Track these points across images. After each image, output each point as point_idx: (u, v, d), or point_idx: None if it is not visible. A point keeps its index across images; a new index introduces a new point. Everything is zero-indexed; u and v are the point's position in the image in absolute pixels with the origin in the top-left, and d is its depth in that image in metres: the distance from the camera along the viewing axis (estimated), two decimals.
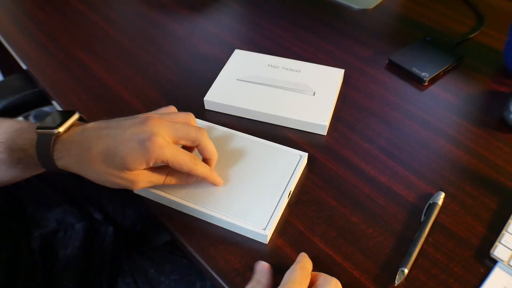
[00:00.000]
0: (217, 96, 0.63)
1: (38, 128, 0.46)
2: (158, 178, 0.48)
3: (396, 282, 0.44)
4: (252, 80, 0.66)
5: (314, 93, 0.63)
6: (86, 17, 0.84)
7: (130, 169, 0.45)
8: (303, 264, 0.43)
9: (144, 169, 0.46)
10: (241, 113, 0.62)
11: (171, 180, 0.49)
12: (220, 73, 0.67)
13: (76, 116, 0.49)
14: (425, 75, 0.67)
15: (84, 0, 0.88)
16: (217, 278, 0.46)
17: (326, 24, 0.81)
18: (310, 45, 0.76)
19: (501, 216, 0.50)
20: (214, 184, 0.51)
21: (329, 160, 0.57)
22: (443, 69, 0.69)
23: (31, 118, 1.02)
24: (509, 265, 0.45)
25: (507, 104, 0.60)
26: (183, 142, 0.47)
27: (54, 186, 0.69)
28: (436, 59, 0.70)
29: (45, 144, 0.45)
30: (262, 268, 0.45)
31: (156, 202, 0.52)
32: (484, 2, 0.84)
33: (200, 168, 0.48)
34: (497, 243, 0.47)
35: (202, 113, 0.63)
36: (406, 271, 0.44)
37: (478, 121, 0.62)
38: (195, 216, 0.50)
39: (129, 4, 0.88)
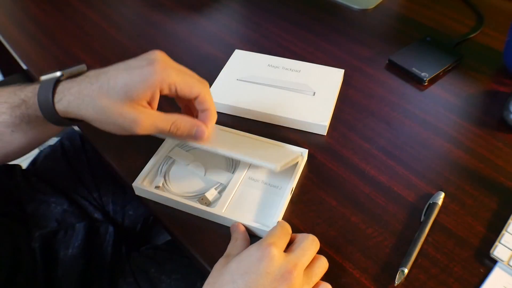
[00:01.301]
0: (217, 96, 0.63)
1: (42, 75, 0.45)
2: (163, 123, 0.44)
3: (396, 282, 0.44)
4: (252, 80, 0.66)
5: (314, 93, 0.63)
6: (86, 17, 0.84)
7: (133, 99, 0.41)
8: (283, 224, 0.46)
9: (149, 108, 0.43)
10: (241, 113, 0.62)
11: (177, 128, 0.45)
12: (220, 73, 0.67)
13: (83, 67, 0.46)
14: (425, 75, 0.67)
15: (84, 0, 0.88)
16: None
17: (326, 24, 0.81)
18: (310, 45, 0.76)
19: (501, 216, 0.50)
20: (212, 119, 0.47)
21: (329, 160, 0.57)
22: (443, 69, 0.69)
23: None
24: (509, 265, 0.45)
25: (507, 104, 0.60)
26: (184, 87, 0.44)
27: (54, 186, 0.69)
28: (436, 59, 0.70)
29: (46, 87, 0.43)
30: (237, 228, 0.48)
31: (156, 202, 0.52)
32: (484, 2, 0.84)
33: (209, 96, 0.45)
34: (497, 243, 0.47)
35: None
36: (406, 271, 0.44)
37: (478, 121, 0.62)
38: (196, 215, 0.50)
39: (129, 4, 0.88)
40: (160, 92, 0.43)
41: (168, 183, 0.53)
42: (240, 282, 0.39)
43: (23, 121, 0.45)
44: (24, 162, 0.79)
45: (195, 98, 0.46)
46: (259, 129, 0.60)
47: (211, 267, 0.46)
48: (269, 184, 0.53)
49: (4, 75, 1.29)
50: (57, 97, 0.43)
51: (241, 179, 0.53)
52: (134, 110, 0.42)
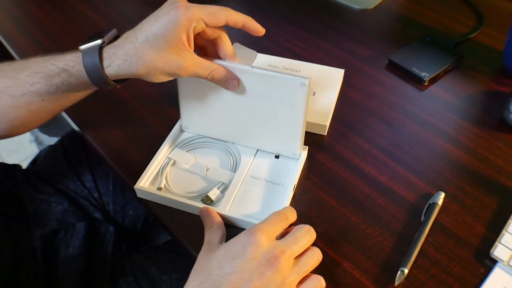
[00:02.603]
0: None
1: (81, 45, 0.47)
2: (203, 70, 0.47)
3: (396, 282, 0.44)
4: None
5: (314, 93, 0.63)
6: (86, 17, 0.84)
7: (174, 44, 0.44)
8: (280, 211, 0.46)
9: (191, 51, 0.46)
10: None
11: (213, 77, 0.48)
12: None
13: (115, 31, 0.49)
14: (425, 75, 0.67)
15: (84, 0, 0.88)
16: None
17: (326, 24, 0.81)
18: (310, 45, 0.76)
19: (501, 216, 0.50)
20: (256, 30, 0.51)
21: (329, 160, 0.57)
22: (443, 69, 0.69)
23: None
24: (509, 265, 0.45)
25: (507, 104, 0.60)
26: (211, 17, 0.46)
27: (55, 186, 0.69)
28: (436, 59, 0.70)
29: (92, 56, 0.46)
30: (207, 213, 0.48)
31: (156, 202, 0.52)
32: (484, 2, 0.84)
33: (235, 14, 0.48)
34: (497, 243, 0.47)
35: None
36: (406, 271, 0.44)
37: (478, 121, 0.62)
38: (196, 214, 0.50)
39: (129, 4, 0.88)
40: (194, 30, 0.46)
41: (170, 184, 0.53)
42: (227, 267, 0.40)
43: (59, 89, 0.48)
44: (24, 162, 0.79)
45: (225, 25, 0.49)
46: None
47: None
48: (271, 182, 0.53)
49: None
50: (105, 63, 0.46)
51: (242, 177, 0.53)
52: (179, 57, 0.46)
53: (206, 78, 0.48)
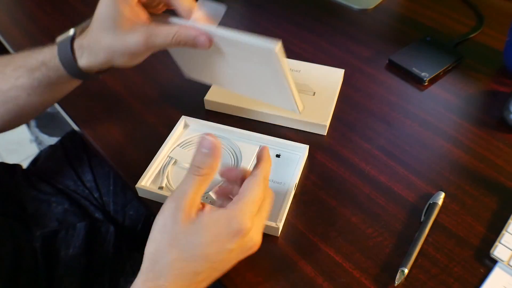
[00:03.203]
0: (217, 96, 0.63)
1: (58, 37, 0.47)
2: (164, 38, 0.45)
3: (396, 282, 0.44)
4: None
5: (314, 93, 0.64)
6: (86, 17, 0.83)
7: (121, 21, 0.43)
8: (266, 175, 0.41)
9: (145, 21, 0.45)
10: (241, 113, 0.62)
11: (179, 41, 0.45)
12: None
13: (88, 20, 0.49)
14: (425, 75, 0.67)
15: (84, 0, 0.88)
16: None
17: (326, 24, 0.81)
18: (310, 45, 0.76)
19: (501, 216, 0.50)
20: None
21: (329, 160, 0.57)
22: (443, 69, 0.69)
23: (31, 121, 1.02)
24: (509, 265, 0.45)
25: (507, 104, 0.60)
26: None
27: (55, 186, 0.69)
28: (436, 59, 0.70)
29: (65, 47, 0.46)
30: (210, 141, 0.39)
31: (156, 201, 0.52)
32: (484, 2, 0.84)
33: None
34: (497, 243, 0.47)
35: (202, 113, 0.63)
36: (406, 271, 0.44)
37: (478, 121, 0.62)
38: None
39: None
40: None
41: (172, 183, 0.54)
42: (213, 256, 0.38)
43: (42, 83, 0.48)
44: (24, 162, 0.79)
45: None
46: (259, 129, 0.60)
47: None
48: (272, 180, 0.53)
49: None
50: (77, 55, 0.46)
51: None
52: (132, 33, 0.44)
53: (171, 46, 0.45)
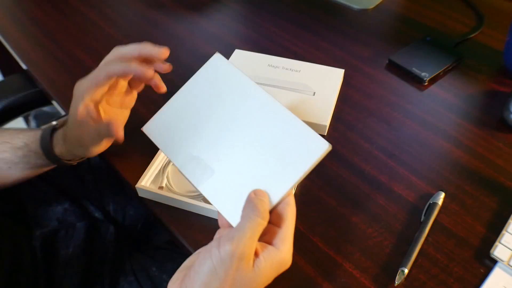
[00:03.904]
0: None
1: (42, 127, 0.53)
2: (94, 78, 0.47)
3: (396, 282, 0.44)
4: (252, 80, 0.65)
5: (314, 93, 0.64)
6: (86, 17, 0.84)
7: (74, 117, 0.48)
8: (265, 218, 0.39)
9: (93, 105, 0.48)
10: None
11: (109, 68, 0.47)
12: None
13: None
14: (425, 75, 0.67)
15: (84, 0, 0.88)
16: None
17: (326, 24, 0.81)
18: (310, 45, 0.76)
19: (501, 216, 0.50)
20: (141, 74, 0.47)
21: (329, 160, 0.57)
22: (443, 69, 0.69)
23: (31, 118, 1.02)
24: (509, 265, 0.45)
25: (507, 104, 0.60)
26: (96, 81, 0.47)
27: (55, 186, 0.69)
28: (436, 59, 0.70)
29: (46, 135, 0.52)
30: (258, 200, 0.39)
31: (156, 201, 0.52)
32: (484, 2, 0.84)
33: (114, 67, 0.47)
34: (497, 243, 0.47)
35: None
36: (406, 271, 0.44)
37: (478, 121, 0.62)
38: (202, 214, 0.50)
39: (129, 4, 0.88)
40: (94, 98, 0.48)
41: (171, 183, 0.54)
42: None
43: (22, 161, 0.53)
44: None
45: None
46: None
47: None
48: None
49: (4, 75, 1.29)
50: (54, 143, 0.52)
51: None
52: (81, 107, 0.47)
53: (103, 82, 0.47)
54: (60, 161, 0.53)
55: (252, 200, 0.39)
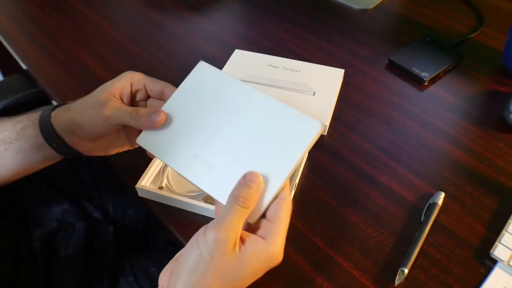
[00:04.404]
0: None
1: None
2: (123, 112, 0.47)
3: (396, 282, 0.44)
4: (252, 80, 0.66)
5: (314, 93, 0.64)
6: (86, 17, 0.84)
7: (109, 90, 0.48)
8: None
9: (117, 101, 0.48)
10: None
11: (135, 114, 0.47)
12: None
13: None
14: (425, 75, 0.67)
15: (84, 0, 0.88)
16: None
17: (326, 24, 0.81)
18: (310, 45, 0.76)
19: (501, 216, 0.50)
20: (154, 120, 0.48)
21: (329, 160, 0.57)
22: (443, 69, 0.69)
23: None
24: (509, 265, 0.45)
25: (507, 104, 0.60)
26: (150, 80, 0.50)
27: (54, 186, 0.69)
28: (436, 59, 0.70)
29: (46, 113, 0.49)
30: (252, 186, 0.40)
31: (157, 201, 0.52)
32: (484, 2, 0.84)
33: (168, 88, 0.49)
34: (497, 243, 0.47)
35: None
36: (406, 271, 0.44)
37: (478, 121, 0.62)
38: (201, 214, 0.51)
39: (129, 4, 0.88)
40: (132, 87, 0.49)
41: (171, 183, 0.54)
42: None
43: (19, 137, 0.49)
44: None
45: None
46: None
47: None
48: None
49: (4, 75, 1.29)
50: (53, 114, 0.49)
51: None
52: (104, 100, 0.47)
53: (125, 121, 0.46)
54: (54, 137, 0.49)
55: (238, 187, 0.40)
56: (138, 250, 0.67)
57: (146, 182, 0.53)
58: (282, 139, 0.42)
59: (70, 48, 0.76)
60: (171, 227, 0.50)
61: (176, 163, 0.44)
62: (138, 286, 0.61)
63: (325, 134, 0.60)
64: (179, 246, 0.50)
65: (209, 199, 0.51)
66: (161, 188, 0.53)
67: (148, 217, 0.75)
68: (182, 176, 0.44)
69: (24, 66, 0.75)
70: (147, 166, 0.54)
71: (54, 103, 0.71)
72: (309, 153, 0.57)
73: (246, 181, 0.40)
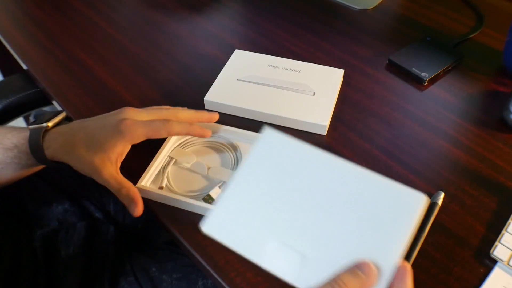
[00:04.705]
0: (217, 96, 0.63)
1: (30, 125, 0.52)
2: (115, 184, 0.48)
3: None
4: (252, 80, 0.66)
5: (314, 93, 0.64)
6: (86, 17, 0.84)
7: (105, 152, 0.49)
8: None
9: (114, 165, 0.50)
10: (241, 113, 0.62)
11: (120, 194, 0.48)
12: (220, 73, 0.67)
13: (63, 114, 0.56)
14: (425, 75, 0.67)
15: (84, 0, 0.88)
16: (217, 278, 0.46)
17: (326, 24, 0.81)
18: (310, 45, 0.76)
19: (501, 216, 0.50)
20: (201, 135, 0.54)
21: None
22: (443, 69, 0.69)
23: (31, 118, 1.02)
24: (509, 265, 0.45)
25: (507, 104, 0.60)
26: (152, 134, 0.51)
27: (55, 186, 0.69)
28: (436, 59, 0.70)
29: (36, 137, 0.51)
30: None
31: (157, 201, 0.52)
32: (484, 2, 0.84)
33: (177, 127, 0.51)
34: (497, 243, 0.47)
35: None
36: None
37: (478, 121, 0.62)
38: (201, 214, 0.51)
39: (129, 4, 0.88)
40: (133, 143, 0.51)
41: (172, 183, 0.54)
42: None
43: (13, 161, 0.52)
44: None
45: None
46: (259, 129, 0.60)
47: (211, 266, 0.46)
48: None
49: (4, 75, 1.29)
50: (45, 145, 0.51)
51: None
52: (100, 164, 0.48)
53: (114, 191, 0.48)
54: (48, 163, 0.52)
55: (342, 272, 0.33)
56: (138, 250, 0.67)
57: (146, 182, 0.53)
58: (380, 217, 0.35)
59: (70, 48, 0.76)
60: (171, 227, 0.50)
61: (259, 255, 0.36)
62: (138, 286, 0.61)
63: (325, 134, 0.60)
64: (179, 246, 0.50)
65: (208, 199, 0.51)
66: (161, 188, 0.53)
67: (148, 217, 0.75)
68: (271, 272, 0.36)
69: (24, 66, 0.75)
70: (147, 166, 0.54)
71: (54, 103, 0.71)
72: None
73: (357, 269, 0.33)
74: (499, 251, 0.46)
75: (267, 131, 0.41)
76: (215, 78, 0.66)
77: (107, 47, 0.76)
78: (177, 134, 0.53)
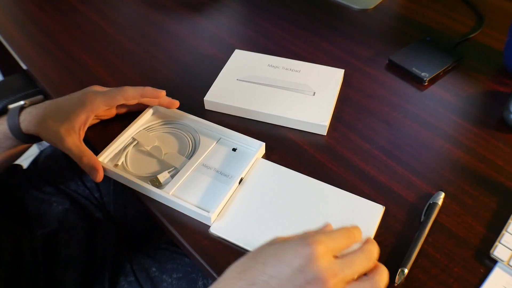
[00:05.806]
0: (217, 96, 0.63)
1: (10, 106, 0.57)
2: (78, 152, 0.52)
3: (396, 282, 0.44)
4: (252, 80, 0.66)
5: (314, 93, 0.64)
6: (86, 17, 0.84)
7: (70, 122, 0.52)
8: (351, 229, 0.40)
9: (78, 136, 0.53)
10: (241, 113, 0.62)
11: (81, 162, 0.52)
12: (220, 73, 0.67)
13: (40, 97, 0.63)
14: (425, 75, 0.67)
15: (84, 0, 0.88)
16: (217, 278, 0.46)
17: (326, 24, 0.81)
18: (310, 45, 0.76)
19: (501, 216, 0.50)
20: (153, 96, 0.59)
21: (329, 160, 0.57)
22: (443, 69, 0.69)
23: None
24: (509, 265, 0.45)
25: (507, 104, 0.60)
26: (109, 101, 0.56)
27: (56, 186, 0.69)
28: (436, 59, 0.70)
29: (13, 113, 0.55)
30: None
31: (156, 201, 0.52)
32: (484, 2, 0.84)
33: (130, 90, 0.57)
34: (497, 243, 0.47)
35: (202, 113, 0.63)
36: (406, 271, 0.44)
37: (478, 121, 0.62)
38: (147, 195, 0.52)
39: (129, 4, 0.88)
40: (96, 113, 0.55)
41: (128, 163, 0.56)
42: (270, 269, 0.36)
43: None
44: (24, 161, 0.79)
45: (127, 101, 0.58)
46: (259, 129, 0.61)
47: (211, 266, 0.46)
48: (220, 172, 0.54)
49: (4, 75, 1.29)
50: (21, 119, 0.54)
51: (195, 165, 0.55)
52: (65, 134, 0.52)
53: (75, 158, 0.52)
54: (23, 136, 0.54)
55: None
56: (139, 250, 0.67)
57: (104, 159, 0.55)
58: (349, 222, 0.42)
59: (70, 48, 0.76)
60: (170, 227, 0.50)
61: (254, 246, 0.41)
62: (138, 285, 0.61)
63: (325, 134, 0.60)
64: (179, 246, 0.50)
65: (155, 182, 0.53)
66: (116, 165, 0.55)
67: (148, 217, 0.75)
68: None
69: (24, 66, 0.75)
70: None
71: None
72: (309, 153, 0.57)
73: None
74: (499, 251, 0.46)
75: (261, 162, 0.55)
76: (215, 78, 0.66)
77: (107, 47, 0.76)
78: (133, 98, 0.57)
